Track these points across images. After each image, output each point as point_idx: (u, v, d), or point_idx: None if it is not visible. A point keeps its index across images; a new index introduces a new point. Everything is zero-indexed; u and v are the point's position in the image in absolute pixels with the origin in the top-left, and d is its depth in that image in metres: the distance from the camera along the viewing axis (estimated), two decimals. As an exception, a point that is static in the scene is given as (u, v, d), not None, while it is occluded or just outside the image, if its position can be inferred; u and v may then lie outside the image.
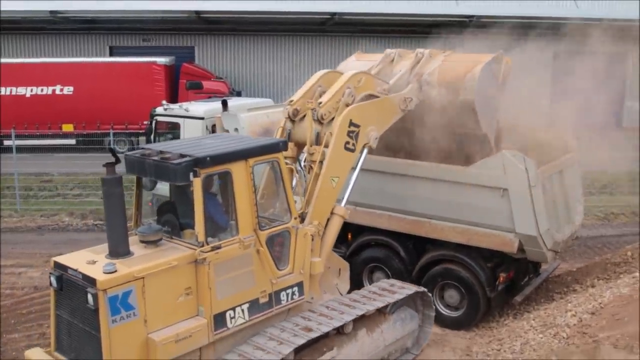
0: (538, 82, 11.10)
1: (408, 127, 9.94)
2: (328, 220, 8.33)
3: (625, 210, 17.47)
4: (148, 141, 13.73)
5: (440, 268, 10.25)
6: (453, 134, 9.90)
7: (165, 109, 13.69)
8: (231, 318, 7.03)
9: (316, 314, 7.84)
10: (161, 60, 25.62)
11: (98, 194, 18.06)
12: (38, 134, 24.75)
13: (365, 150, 8.89)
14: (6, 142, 22.60)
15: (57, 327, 6.95)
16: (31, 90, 24.89)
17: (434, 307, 9.31)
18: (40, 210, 17.93)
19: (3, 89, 24.54)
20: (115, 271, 6.26)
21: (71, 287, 6.55)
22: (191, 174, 6.65)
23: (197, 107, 13.50)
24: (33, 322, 10.71)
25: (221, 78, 27.75)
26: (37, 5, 25.41)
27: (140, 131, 22.91)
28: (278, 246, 7.69)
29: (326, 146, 8.30)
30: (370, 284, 10.06)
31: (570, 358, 7.36)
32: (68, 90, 24.96)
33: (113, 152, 7.04)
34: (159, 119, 13.74)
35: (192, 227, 6.88)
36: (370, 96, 9.12)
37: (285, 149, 7.88)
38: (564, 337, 8.13)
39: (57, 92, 24.94)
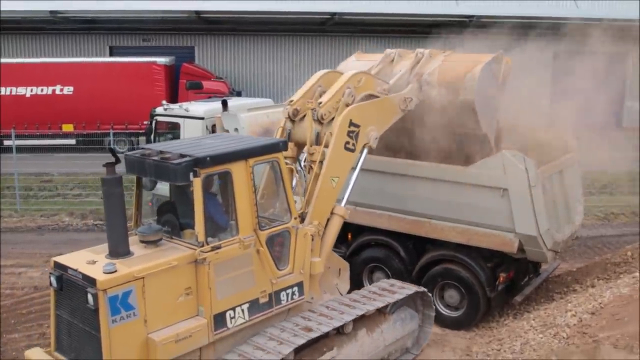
0: (538, 82, 11.10)
1: (408, 127, 9.94)
2: (328, 220, 8.32)
3: (625, 210, 17.47)
4: (148, 141, 13.73)
5: (440, 268, 10.24)
6: (453, 134, 9.90)
7: (165, 109, 13.69)
8: (231, 318, 7.03)
9: (316, 314, 7.84)
10: (161, 60, 25.62)
11: (98, 194, 18.06)
12: (38, 134, 24.75)
13: (365, 150, 8.89)
14: (6, 142, 22.59)
15: (57, 327, 6.95)
16: (31, 90, 24.89)
17: (434, 307, 9.31)
18: (40, 210, 17.93)
19: (3, 89, 24.54)
20: (116, 271, 6.26)
21: (71, 287, 6.55)
22: (191, 174, 6.65)
23: (197, 107, 13.50)
24: (33, 322, 10.71)
25: (221, 78, 27.74)
26: (37, 5, 25.40)
27: (140, 131, 22.91)
28: (278, 246, 7.69)
29: (326, 146, 8.30)
30: (370, 284, 10.06)
31: (570, 358, 7.36)
32: (68, 90, 24.96)
33: (113, 152, 7.04)
34: (159, 119, 13.73)
35: (192, 227, 6.88)
36: (370, 96, 9.12)
37: (285, 149, 7.88)
38: (564, 337, 8.13)
39: (57, 92, 24.94)
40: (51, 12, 26.00)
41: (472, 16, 25.57)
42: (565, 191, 10.44)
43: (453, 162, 9.95)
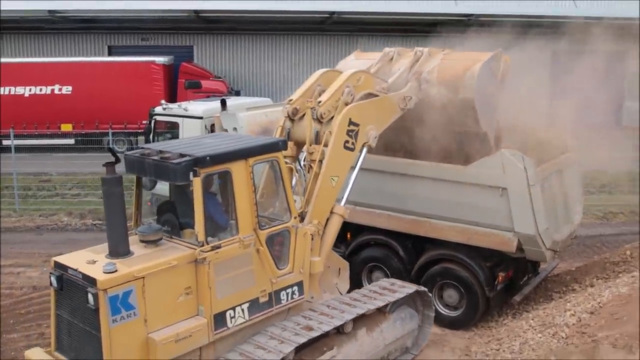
0: (537, 81, 11.09)
1: (408, 126, 9.94)
2: (328, 219, 8.33)
3: (624, 210, 17.49)
4: (147, 141, 13.72)
5: (439, 267, 10.24)
6: (453, 132, 9.89)
7: (164, 109, 13.69)
8: (231, 318, 7.03)
9: (317, 313, 7.85)
10: (160, 59, 25.59)
11: (97, 193, 18.07)
12: (37, 133, 24.69)
13: (365, 149, 8.89)
14: (5, 142, 22.60)
15: (57, 327, 6.95)
16: (30, 90, 24.85)
17: (433, 307, 9.31)
18: (38, 210, 17.92)
19: (2, 88, 24.49)
20: (116, 271, 6.26)
21: (71, 287, 6.55)
22: (191, 174, 6.65)
23: (196, 107, 13.50)
24: (32, 322, 10.69)
25: (220, 77, 27.72)
26: (36, 4, 25.33)
27: (139, 131, 22.87)
28: (278, 245, 7.70)
29: (326, 145, 8.30)
30: (369, 284, 10.06)
31: (569, 358, 7.36)
32: (67, 89, 24.92)
33: (113, 151, 7.05)
34: (158, 118, 13.73)
35: (192, 226, 6.88)
36: (370, 95, 9.12)
37: (285, 148, 7.88)
38: (562, 337, 8.13)
39: (56, 91, 24.90)
40: (50, 11, 25.94)
41: (471, 15, 25.61)
42: (565, 190, 10.45)
43: (453, 161, 9.95)
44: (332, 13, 26.64)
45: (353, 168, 8.87)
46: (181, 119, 13.21)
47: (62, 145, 24.49)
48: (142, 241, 6.94)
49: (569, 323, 8.42)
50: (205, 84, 25.60)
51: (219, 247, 6.85)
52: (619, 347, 7.10)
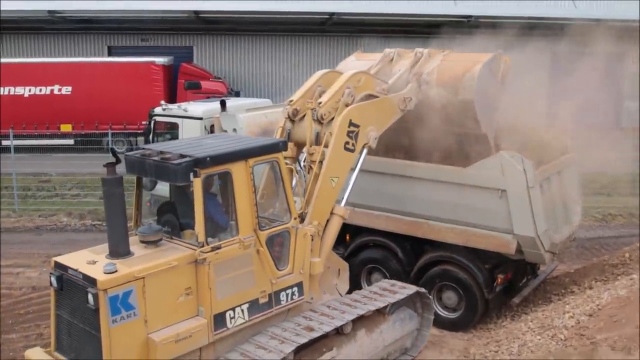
0: (537, 82, 11.10)
1: (407, 127, 9.94)
2: (328, 220, 8.33)
3: (623, 212, 17.48)
4: (147, 141, 13.73)
5: (438, 269, 10.24)
6: (453, 133, 9.89)
7: (164, 109, 13.69)
8: (231, 318, 7.04)
9: (317, 314, 7.85)
10: (160, 60, 25.59)
11: (96, 194, 18.07)
12: (36, 134, 24.69)
13: (365, 151, 8.90)
14: (4, 142, 22.56)
15: (57, 327, 6.95)
16: (29, 90, 24.86)
17: (433, 309, 9.30)
18: (38, 210, 17.91)
19: (1, 88, 24.49)
20: (116, 271, 6.27)
21: (71, 287, 6.55)
22: (191, 174, 6.66)
23: (196, 107, 13.50)
24: (31, 323, 10.68)
25: (220, 78, 27.72)
26: (36, 5, 25.35)
27: (139, 131, 22.89)
28: (278, 246, 7.70)
29: (326, 146, 8.31)
30: (368, 285, 10.05)
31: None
32: (66, 90, 24.93)
33: (114, 152, 7.05)
34: (158, 119, 13.74)
35: (192, 227, 6.88)
36: (370, 96, 9.13)
37: (285, 149, 7.89)
38: (561, 339, 8.13)
39: (56, 92, 24.91)
40: (49, 11, 25.95)
41: (471, 16, 25.62)
42: (564, 192, 10.44)
43: (453, 162, 9.94)
44: (332, 14, 26.66)
45: (353, 169, 8.87)
46: (181, 119, 13.22)
47: (61, 145, 24.55)
48: (142, 242, 6.95)
49: (568, 325, 8.42)
50: (205, 84, 25.64)
51: (219, 247, 6.86)
52: (618, 350, 7.10)
